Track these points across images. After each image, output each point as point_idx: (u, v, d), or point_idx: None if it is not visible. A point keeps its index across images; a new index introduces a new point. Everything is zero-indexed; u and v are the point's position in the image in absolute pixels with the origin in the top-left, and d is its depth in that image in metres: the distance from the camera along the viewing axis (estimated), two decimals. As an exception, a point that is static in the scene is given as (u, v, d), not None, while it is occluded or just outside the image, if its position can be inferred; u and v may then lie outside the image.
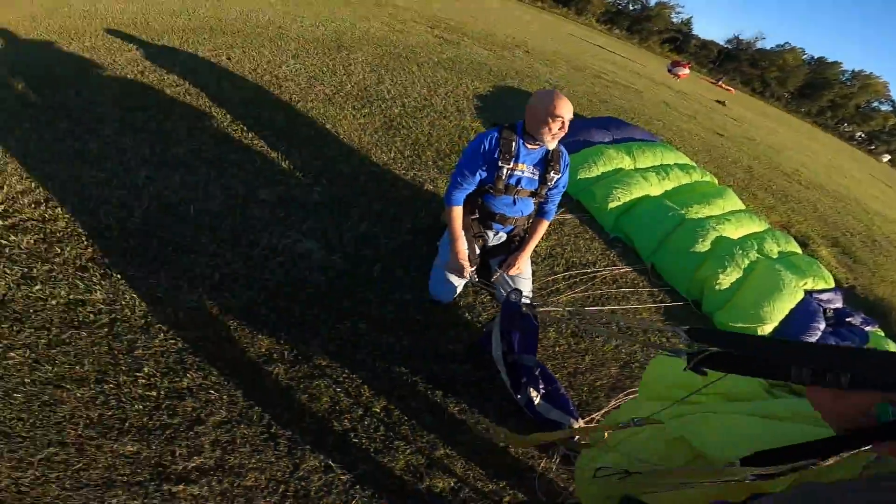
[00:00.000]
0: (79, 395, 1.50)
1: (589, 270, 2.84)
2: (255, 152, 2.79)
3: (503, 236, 2.26)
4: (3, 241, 1.83)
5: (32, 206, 2.02)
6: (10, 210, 1.96)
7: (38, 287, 1.73)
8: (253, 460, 1.46)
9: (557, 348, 2.21)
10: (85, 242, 1.90)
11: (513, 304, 1.81)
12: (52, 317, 1.65)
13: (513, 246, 2.25)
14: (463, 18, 11.01)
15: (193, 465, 1.41)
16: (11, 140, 2.42)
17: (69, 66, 3.51)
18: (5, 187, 2.06)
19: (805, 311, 3.02)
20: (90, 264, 1.84)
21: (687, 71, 18.95)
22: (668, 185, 4.22)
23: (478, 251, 2.21)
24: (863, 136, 60.90)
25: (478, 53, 7.35)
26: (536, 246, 2.75)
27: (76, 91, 3.08)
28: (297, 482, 1.44)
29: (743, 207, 4.52)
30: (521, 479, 1.65)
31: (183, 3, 6.07)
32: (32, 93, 3.07)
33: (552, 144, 1.97)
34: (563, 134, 1.92)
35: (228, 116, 3.09)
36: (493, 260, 2.30)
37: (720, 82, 33.27)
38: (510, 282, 2.17)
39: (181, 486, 1.36)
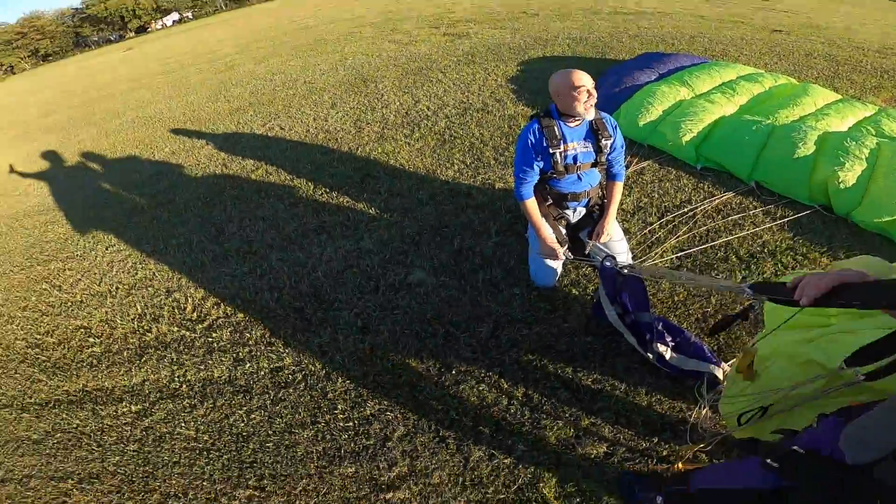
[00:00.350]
0: (305, 435, 1.91)
1: (685, 210, 2.72)
2: (344, 208, 3.09)
3: (582, 210, 2.31)
4: (210, 339, 2.37)
5: (215, 306, 2.54)
6: (202, 315, 2.50)
7: (248, 365, 2.23)
8: (433, 461, 1.74)
9: (677, 297, 2.18)
10: (262, 324, 2.38)
11: (608, 270, 1.85)
12: (266, 384, 2.13)
13: (595, 215, 2.28)
14: (456, 8, 10.95)
15: (394, 474, 1.73)
16: (169, 255, 2.99)
17: (169, 176, 4.11)
18: (189, 298, 2.62)
19: None
20: (274, 339, 2.31)
21: None
22: (741, 100, 3.92)
23: (564, 231, 2.28)
24: None
25: (490, 36, 7.27)
26: (622, 204, 2.75)
27: (189, 197, 3.64)
28: (470, 473, 1.69)
29: (838, 97, 4.06)
30: (674, 433, 1.68)
31: (218, 89, 6.74)
32: (154, 206, 3.67)
33: (590, 114, 2.02)
34: (593, 100, 1.98)
35: (309, 183, 3.43)
36: (581, 233, 2.35)
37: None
38: (604, 249, 2.20)
39: (391, 493, 1.68)
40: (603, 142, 2.08)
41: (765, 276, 2.27)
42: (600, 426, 1.75)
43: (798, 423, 1.16)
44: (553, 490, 1.61)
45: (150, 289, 2.76)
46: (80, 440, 2.09)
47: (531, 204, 2.14)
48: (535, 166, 2.10)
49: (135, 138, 5.42)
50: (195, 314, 2.50)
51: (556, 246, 2.13)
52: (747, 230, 2.57)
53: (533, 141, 2.06)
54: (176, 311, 2.55)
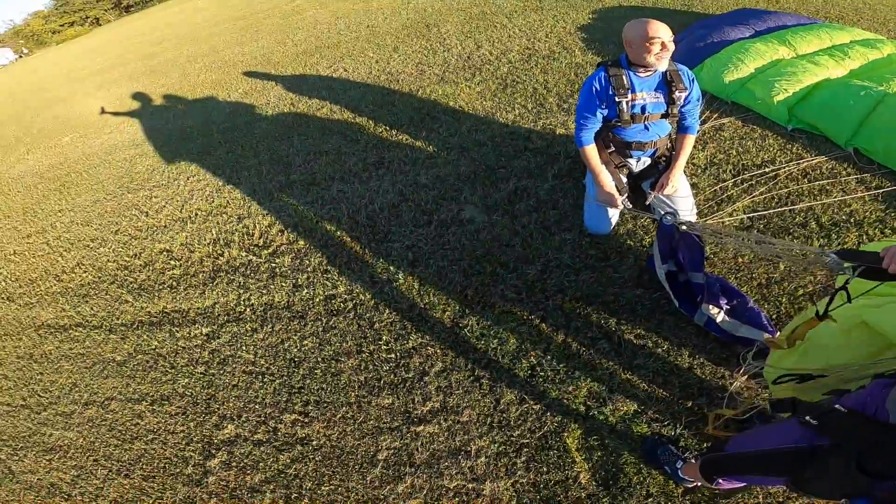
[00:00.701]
0: (350, 364, 2.03)
1: (768, 169, 2.51)
2: (403, 145, 3.13)
3: (647, 160, 2.20)
4: (273, 265, 2.54)
5: (280, 233, 2.71)
6: (268, 241, 2.68)
7: (305, 291, 2.37)
8: (466, 400, 1.80)
9: (740, 259, 2.05)
10: (320, 252, 2.51)
11: (667, 227, 1.76)
12: (319, 310, 2.27)
13: (660, 166, 2.17)
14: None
15: (427, 408, 1.82)
16: (241, 185, 3.21)
17: (243, 114, 4.35)
18: (257, 226, 2.80)
19: None
20: (330, 267, 2.44)
21: None
22: (852, 64, 3.47)
23: (624, 180, 2.19)
24: None
25: (563, -17, 6.79)
26: (693, 158, 2.58)
27: (260, 132, 3.86)
28: (499, 414, 1.74)
29: None
30: (710, 399, 1.63)
31: (286, 33, 6.88)
32: (229, 141, 3.94)
33: (663, 65, 1.91)
34: (668, 53, 1.87)
35: (371, 122, 3.49)
36: (644, 183, 2.26)
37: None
38: (667, 202, 2.09)
39: (422, 427, 1.77)
40: (676, 94, 1.97)
41: (846, 246, 2.08)
42: (635, 383, 1.73)
43: (853, 386, 1.11)
44: (576, 441, 1.64)
45: (223, 215, 2.98)
46: (157, 362, 2.31)
47: (591, 150, 2.07)
48: (598, 113, 2.03)
49: (212, 80, 5.71)
50: (262, 240, 2.66)
51: (615, 192, 2.05)
52: (835, 197, 2.34)
53: (598, 88, 1.98)
54: (245, 237, 2.74)
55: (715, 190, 2.41)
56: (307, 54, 5.50)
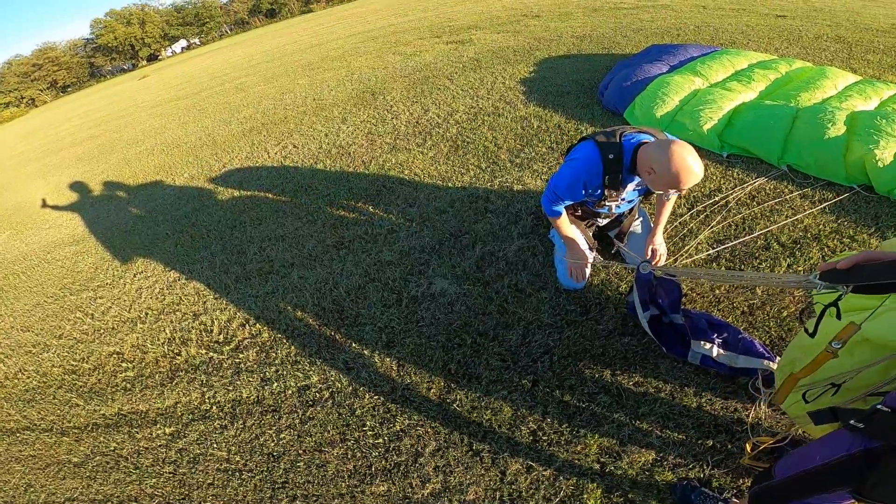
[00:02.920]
0: (335, 454, 1.88)
1: (717, 198, 2.62)
2: (362, 222, 3.07)
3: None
4: (237, 360, 2.38)
5: (241, 327, 2.56)
6: (229, 336, 2.52)
7: (275, 385, 2.21)
8: (468, 476, 1.67)
9: (717, 291, 2.07)
10: (288, 343, 2.37)
11: (645, 275, 1.77)
12: (294, 402, 2.11)
13: (624, 217, 2.19)
14: (457, 15, 11.01)
15: (427, 491, 1.67)
16: (194, 279, 3.04)
17: (190, 201, 4.18)
18: (216, 321, 2.64)
19: None
20: (299, 358, 2.30)
21: None
22: (759, 86, 3.84)
23: (592, 235, 2.21)
24: None
25: (493, 41, 7.26)
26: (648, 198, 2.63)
27: (210, 220, 3.70)
28: (507, 487, 1.62)
29: (858, 78, 3.95)
30: (731, 434, 1.59)
31: (231, 111, 6.88)
32: (177, 232, 3.75)
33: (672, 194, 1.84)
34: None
35: (325, 199, 3.43)
36: (610, 232, 2.28)
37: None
38: (633, 251, 2.13)
39: None
40: (653, 196, 1.98)
41: (812, 262, 2.15)
42: (647, 431, 1.66)
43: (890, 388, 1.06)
44: (598, 501, 1.54)
45: (177, 313, 2.80)
46: (118, 462, 2.12)
47: (563, 220, 2.04)
48: (578, 199, 1.96)
49: (155, 164, 5.55)
50: (221, 336, 2.52)
51: (584, 264, 2.05)
52: (786, 216, 2.45)
53: (590, 184, 1.84)
54: (203, 334, 2.58)
55: (675, 226, 2.47)
56: (254, 132, 5.47)
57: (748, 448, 1.48)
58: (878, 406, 0.87)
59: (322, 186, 3.62)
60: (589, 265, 2.09)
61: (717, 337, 1.75)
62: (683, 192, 1.77)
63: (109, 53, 46.94)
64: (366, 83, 6.13)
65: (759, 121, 3.10)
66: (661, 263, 2.10)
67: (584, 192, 1.89)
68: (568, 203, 1.99)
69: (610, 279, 2.23)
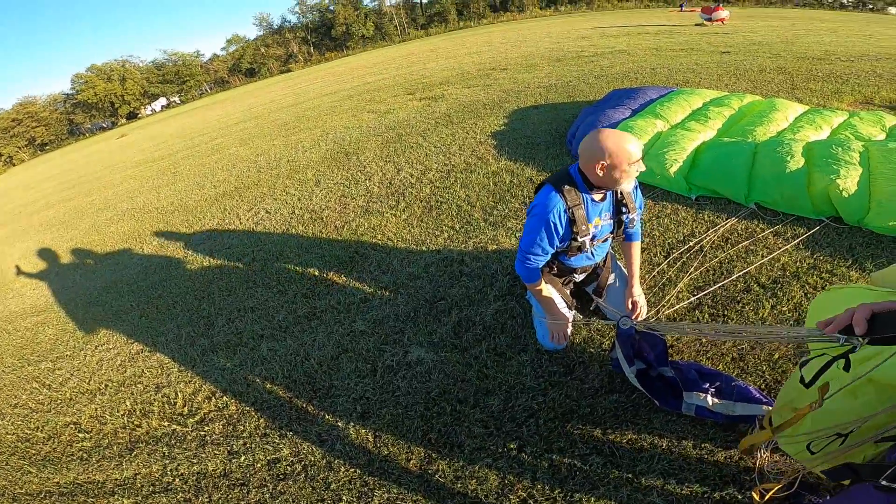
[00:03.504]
0: None
1: (692, 243, 2.60)
2: (335, 291, 2.97)
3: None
4: (202, 433, 2.24)
5: (207, 400, 2.42)
6: (193, 409, 2.39)
7: (243, 458, 2.06)
8: None
9: (703, 339, 2.00)
10: (257, 416, 2.24)
11: (626, 331, 1.70)
12: (263, 476, 1.95)
13: (600, 272, 2.14)
14: (430, 72, 11.51)
15: None
16: (158, 352, 2.93)
17: (157, 270, 4.06)
18: (180, 394, 2.52)
19: None
20: (269, 430, 2.15)
21: (726, 13, 15.09)
22: (716, 124, 3.98)
23: (570, 294, 2.15)
24: (850, 1, 54.37)
25: (464, 95, 7.55)
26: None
27: (177, 291, 3.58)
28: None
29: (806, 108, 4.14)
30: (740, 485, 1.47)
31: (205, 174, 6.85)
32: (143, 302, 3.60)
33: (630, 185, 1.75)
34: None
35: (297, 268, 3.33)
36: (588, 288, 2.22)
37: (683, 7, 31.98)
38: (613, 306, 2.07)
39: None
40: (626, 215, 1.88)
41: (795, 301, 2.11)
42: (647, 490, 1.53)
43: None
44: None
45: (139, 385, 2.69)
46: None
47: (538, 283, 1.95)
48: (551, 250, 1.88)
49: (125, 231, 5.43)
50: (186, 408, 2.40)
51: (564, 326, 1.98)
52: (762, 255, 2.44)
53: (557, 223, 1.76)
54: (166, 405, 2.47)
55: (654, 276, 2.42)
56: (226, 196, 5.43)
57: (756, 496, 1.38)
58: None
59: (294, 254, 3.54)
60: (570, 325, 2.01)
61: (709, 386, 1.68)
62: (636, 165, 1.64)
63: (89, 110, 46.71)
64: (340, 143, 6.22)
65: (721, 160, 3.16)
66: (643, 315, 2.05)
67: (555, 235, 1.81)
68: (544, 260, 1.93)
69: (592, 336, 2.15)
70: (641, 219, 2.08)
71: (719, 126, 3.96)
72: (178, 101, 50.84)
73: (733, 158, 3.14)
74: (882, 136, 3.41)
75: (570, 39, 14.01)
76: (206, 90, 53.05)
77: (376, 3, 58.35)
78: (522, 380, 2.01)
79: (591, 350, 2.07)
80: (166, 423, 2.33)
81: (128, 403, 2.54)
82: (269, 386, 2.37)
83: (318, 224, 3.93)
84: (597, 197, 1.80)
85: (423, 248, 3.15)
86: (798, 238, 2.53)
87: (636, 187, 1.93)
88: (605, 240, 1.98)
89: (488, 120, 5.67)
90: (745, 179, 2.97)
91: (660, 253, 2.59)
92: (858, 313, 0.82)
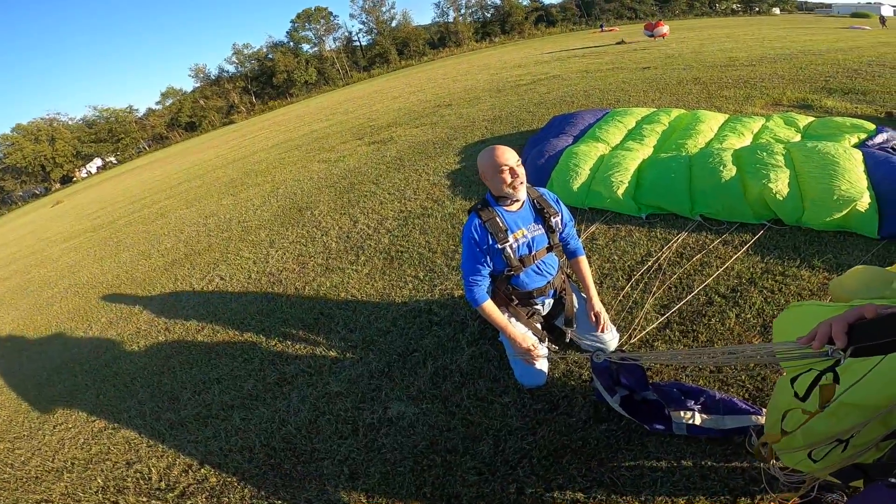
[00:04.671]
0: None
1: (650, 263, 2.69)
2: (303, 355, 2.85)
3: (551, 301, 2.19)
4: None
5: (183, 473, 2.28)
6: (171, 483, 2.24)
7: None
8: None
9: (678, 356, 2.02)
10: (239, 486, 2.11)
11: (601, 364, 1.72)
12: None
13: (564, 301, 2.17)
14: (377, 114, 11.69)
15: None
16: (123, 429, 2.75)
17: (110, 348, 3.79)
18: (153, 468, 2.36)
19: (881, 163, 2.83)
20: (255, 500, 2.02)
21: (666, 28, 16.74)
22: (651, 141, 4.22)
23: (540, 327, 2.15)
24: (739, 5, 61.54)
25: (413, 136, 7.67)
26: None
27: (134, 367, 3.34)
28: None
29: (726, 116, 4.48)
30: (751, 497, 1.46)
31: (151, 242, 6.51)
32: (98, 381, 3.34)
33: (521, 194, 1.90)
34: (521, 179, 1.87)
35: (261, 335, 3.17)
36: (557, 321, 2.23)
37: (603, 28, 34.90)
38: (588, 334, 2.09)
39: None
40: (552, 220, 1.98)
41: (757, 307, 2.20)
42: None
43: None
44: None
45: (108, 462, 2.50)
46: None
47: (489, 306, 1.98)
48: (485, 266, 1.95)
49: (70, 309, 5.04)
50: (163, 483, 2.25)
51: (530, 343, 1.97)
52: (716, 266, 2.54)
53: (477, 239, 1.90)
54: (141, 481, 2.30)
55: (620, 300, 2.47)
56: (176, 265, 5.15)
57: None
58: None
59: (255, 321, 3.36)
60: (543, 355, 2.00)
61: (694, 404, 1.69)
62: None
63: (19, 175, 43.73)
64: (292, 198, 6.10)
65: (661, 176, 3.33)
66: (608, 325, 2.08)
67: (479, 249, 1.92)
68: (485, 281, 1.97)
69: (571, 369, 2.14)
70: (577, 232, 2.23)
71: (654, 143, 4.20)
72: (115, 161, 48.40)
73: (672, 173, 3.31)
74: (798, 138, 3.72)
75: (508, 69, 14.75)
76: (144, 148, 50.83)
77: (316, 48, 59.37)
78: (509, 422, 1.97)
79: (573, 383, 2.06)
80: (144, 499, 2.18)
81: (99, 480, 2.39)
82: (247, 455, 2.25)
83: (277, 287, 3.77)
84: (510, 208, 1.93)
85: (389, 300, 3.08)
86: (746, 244, 2.67)
87: (557, 201, 2.07)
88: (549, 251, 2.03)
89: (439, 160, 5.76)
90: (687, 193, 3.13)
91: (622, 277, 2.66)
92: (836, 327, 0.82)
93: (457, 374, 2.29)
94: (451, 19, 61.84)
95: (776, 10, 54.83)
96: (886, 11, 30.33)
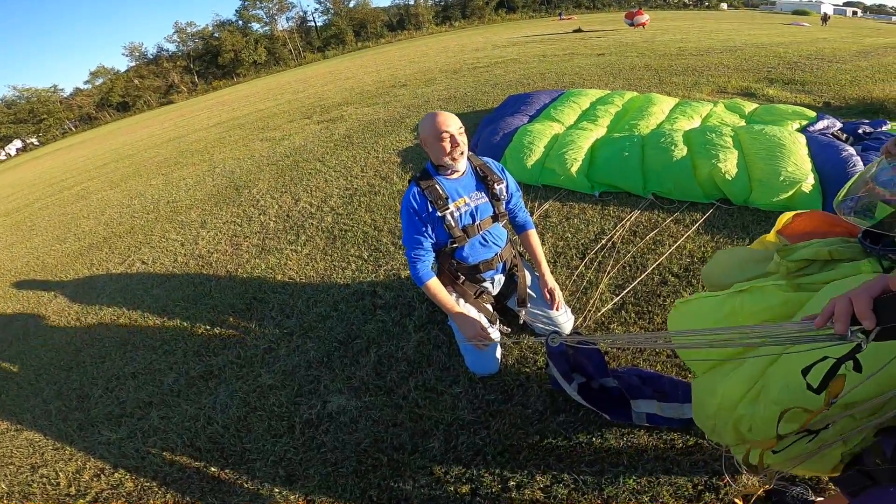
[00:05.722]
0: None
1: (603, 241, 2.61)
2: (232, 344, 2.56)
3: (501, 277, 2.06)
4: None
5: (95, 478, 2.04)
6: (82, 489, 2.01)
7: None
8: None
9: (641, 348, 1.94)
10: (161, 491, 1.89)
11: (556, 349, 1.61)
12: None
13: (516, 278, 2.04)
14: (328, 94, 11.15)
15: None
16: (26, 431, 2.44)
17: (13, 342, 3.34)
18: (61, 473, 2.10)
19: (824, 147, 2.90)
20: None
21: (646, 16, 16.48)
22: (605, 121, 4.20)
23: (491, 308, 2.00)
24: (690, 0, 64.51)
25: (364, 115, 7.32)
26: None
27: (38, 364, 2.96)
28: None
29: (677, 100, 4.54)
30: (715, 491, 1.41)
31: (67, 225, 5.85)
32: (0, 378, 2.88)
33: (460, 165, 1.78)
34: (462, 148, 1.73)
35: (186, 324, 2.84)
36: (509, 301, 2.09)
37: (562, 16, 35.47)
38: (541, 315, 1.97)
39: None
40: (496, 188, 1.86)
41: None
42: None
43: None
44: None
45: (10, 466, 2.23)
46: None
47: (434, 284, 1.82)
48: (426, 238, 1.80)
49: None
50: (73, 488, 2.01)
51: (479, 325, 1.81)
52: (668, 245, 2.50)
53: (416, 208, 1.77)
54: (48, 486, 2.06)
55: (574, 280, 2.37)
56: (94, 249, 4.60)
57: (740, 502, 1.32)
58: None
59: (179, 308, 3.00)
60: (496, 340, 1.85)
61: (653, 391, 1.61)
62: (447, 138, 1.69)
63: None
64: (229, 177, 5.62)
65: (615, 155, 3.29)
66: (562, 302, 1.98)
67: (419, 219, 1.79)
68: (428, 256, 1.83)
69: (525, 355, 2.01)
70: (530, 210, 2.10)
71: (608, 123, 4.19)
72: (37, 143, 44.97)
73: (625, 151, 3.28)
74: (743, 123, 3.81)
75: (466, 52, 14.54)
76: (70, 128, 47.55)
77: (267, 28, 56.35)
78: (460, 415, 1.82)
79: (527, 370, 1.93)
80: None
81: (3, 485, 2.13)
82: (168, 457, 2.00)
83: (206, 270, 3.40)
84: (452, 176, 1.82)
85: (330, 283, 2.83)
86: (696, 223, 2.66)
87: (502, 170, 1.95)
88: (494, 221, 1.91)
89: (390, 138, 5.49)
90: (639, 171, 3.11)
91: (576, 255, 2.56)
92: (859, 303, 0.67)
93: (403, 363, 2.11)
94: (411, 1, 60.50)
95: (724, 6, 58.03)
96: (828, 10, 32.72)
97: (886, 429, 0.87)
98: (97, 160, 12.10)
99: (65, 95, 51.45)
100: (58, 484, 2.03)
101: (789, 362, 0.95)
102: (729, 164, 2.86)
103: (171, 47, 55.22)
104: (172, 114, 22.71)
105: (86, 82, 53.56)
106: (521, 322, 2.03)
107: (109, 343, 2.89)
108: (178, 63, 53.63)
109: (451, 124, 1.70)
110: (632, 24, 16.71)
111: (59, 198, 8.14)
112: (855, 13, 52.88)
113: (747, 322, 1.09)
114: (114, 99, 49.94)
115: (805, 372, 0.80)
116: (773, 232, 1.43)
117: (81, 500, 1.91)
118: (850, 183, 1.13)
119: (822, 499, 1.30)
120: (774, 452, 1.02)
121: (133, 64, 54.45)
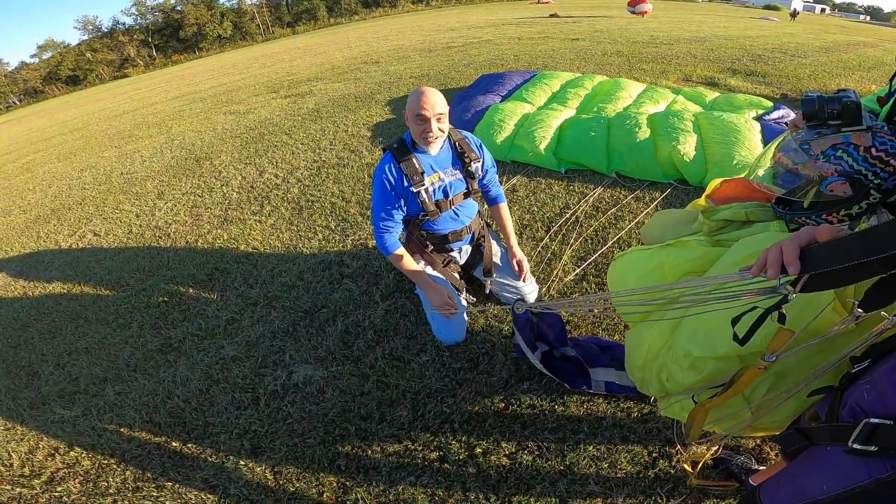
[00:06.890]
0: None
1: (568, 215, 2.68)
2: (192, 316, 2.48)
3: (468, 248, 2.08)
4: (55, 493, 1.79)
5: (49, 457, 1.96)
6: (36, 469, 1.92)
7: None
8: None
9: (595, 310, 2.00)
10: (120, 469, 1.84)
11: (521, 316, 1.63)
12: None
13: (482, 248, 2.07)
14: (296, 69, 10.74)
15: None
16: None
17: None
18: (13, 453, 2.00)
19: (777, 134, 3.03)
20: (142, 483, 1.77)
21: (649, 5, 15.72)
22: (574, 103, 4.27)
23: (458, 276, 2.03)
24: None
25: (334, 90, 7.10)
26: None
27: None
28: None
29: (644, 86, 4.66)
30: (669, 459, 1.48)
31: (11, 197, 5.47)
32: None
33: (432, 149, 1.77)
34: (435, 135, 1.71)
35: (142, 296, 2.72)
36: (475, 271, 2.12)
37: (539, 0, 35.22)
38: (508, 284, 2.02)
39: None
40: (473, 165, 1.85)
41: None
42: (583, 480, 1.46)
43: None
44: None
45: None
46: None
47: (400, 254, 1.82)
48: (397, 211, 1.79)
49: None
50: (27, 469, 1.93)
51: (446, 293, 1.83)
52: (628, 220, 2.59)
53: (392, 181, 1.75)
54: (1, 467, 1.96)
55: (539, 252, 2.42)
56: (41, 221, 4.32)
57: (689, 468, 1.39)
58: (874, 421, 0.69)
59: (134, 280, 2.87)
60: (463, 308, 1.89)
61: (611, 359, 1.67)
62: (427, 126, 1.68)
63: None
64: (189, 149, 5.35)
65: (582, 134, 3.37)
66: (527, 270, 2.02)
67: (396, 200, 1.78)
68: (396, 227, 1.83)
69: (491, 324, 2.05)
70: (497, 178, 2.10)
71: (577, 105, 4.26)
72: None
73: (592, 131, 3.36)
74: (703, 110, 3.96)
75: (441, 32, 14.28)
76: (14, 102, 44.35)
77: (234, 1, 53.53)
78: (427, 383, 1.84)
79: (493, 339, 1.97)
80: (8, 487, 1.85)
81: None
82: (126, 433, 1.94)
83: (164, 241, 3.26)
84: (429, 150, 1.78)
85: (296, 253, 2.77)
86: (655, 201, 2.76)
87: (480, 146, 1.94)
88: (466, 197, 1.92)
89: (360, 112, 5.36)
90: (604, 151, 3.20)
91: (541, 228, 2.62)
92: (787, 251, 0.69)
93: (370, 332, 2.11)
94: (386, -23, 58.55)
95: (699, -2, 58.89)
96: (797, 5, 33.76)
97: (819, 390, 0.91)
98: (44, 133, 11.27)
99: (10, 69, 48.51)
100: (11, 465, 1.94)
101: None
102: (688, 146, 2.97)
103: (129, 20, 51.98)
104: (127, 87, 21.32)
105: (32, 56, 50.78)
106: (487, 291, 2.06)
107: (59, 318, 2.74)
108: (136, 36, 50.44)
109: (430, 109, 1.66)
110: (633, 12, 16.50)
111: (1, 171, 7.56)
112: (824, 10, 55.05)
113: (672, 272, 1.17)
114: (63, 73, 46.83)
115: (735, 322, 0.83)
116: (703, 196, 1.53)
117: (36, 481, 1.84)
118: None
119: (764, 468, 1.38)
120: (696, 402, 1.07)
121: (86, 38, 51.09)
